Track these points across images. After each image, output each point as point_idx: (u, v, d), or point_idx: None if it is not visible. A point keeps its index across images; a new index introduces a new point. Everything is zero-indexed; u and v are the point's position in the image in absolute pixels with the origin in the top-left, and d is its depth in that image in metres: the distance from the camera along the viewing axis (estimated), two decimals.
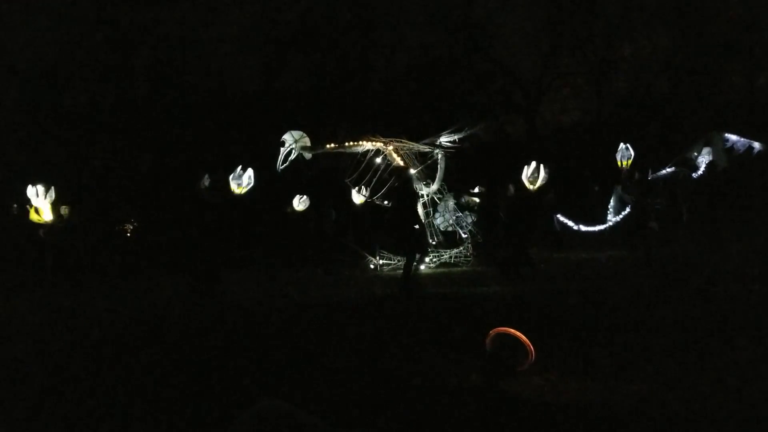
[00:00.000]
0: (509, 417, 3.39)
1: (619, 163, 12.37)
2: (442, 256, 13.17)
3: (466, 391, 3.67)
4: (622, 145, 12.54)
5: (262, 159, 14.38)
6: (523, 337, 4.16)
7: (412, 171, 12.53)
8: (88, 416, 4.11)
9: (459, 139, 12.82)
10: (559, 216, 15.44)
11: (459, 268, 12.71)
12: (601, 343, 5.26)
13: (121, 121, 22.06)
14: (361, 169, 12.65)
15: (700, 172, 15.50)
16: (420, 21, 25.68)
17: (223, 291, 10.20)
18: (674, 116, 24.19)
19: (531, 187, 12.01)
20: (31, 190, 13.35)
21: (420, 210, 12.48)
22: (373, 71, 25.91)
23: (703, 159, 15.56)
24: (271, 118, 21.02)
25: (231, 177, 11.60)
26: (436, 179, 13.05)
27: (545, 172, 12.04)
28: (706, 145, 15.70)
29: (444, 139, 12.90)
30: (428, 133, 13.46)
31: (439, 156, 12.98)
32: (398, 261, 12.74)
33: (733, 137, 15.67)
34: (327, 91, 24.11)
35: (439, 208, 16.52)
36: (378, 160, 12.78)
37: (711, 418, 3.55)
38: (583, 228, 15.50)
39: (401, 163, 12.61)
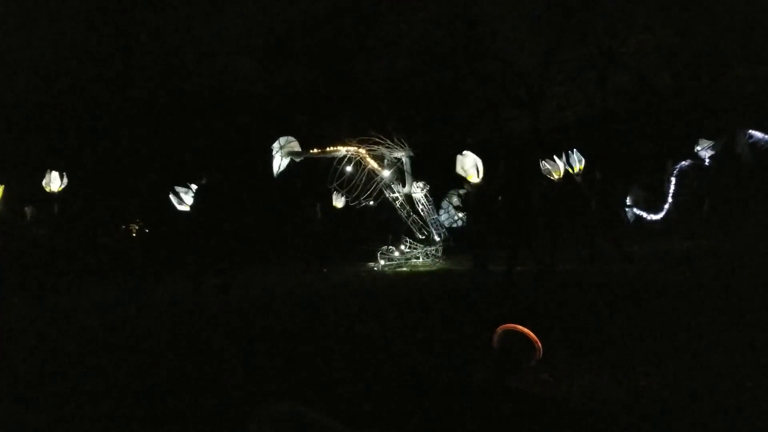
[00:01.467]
0: (517, 413, 3.39)
1: (571, 169, 12.17)
2: (413, 252, 13.51)
3: (475, 388, 3.67)
4: (573, 153, 12.46)
5: (259, 161, 14.60)
6: (531, 334, 4.16)
7: (386, 174, 13.12)
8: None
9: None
10: (632, 207, 15.47)
11: (426, 269, 12.86)
12: (608, 338, 5.23)
13: (121, 122, 21.94)
14: (339, 173, 12.88)
15: (705, 164, 15.50)
16: (419, 17, 25.58)
17: (233, 289, 10.23)
18: (680, 109, 24.05)
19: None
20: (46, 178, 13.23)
21: (399, 210, 13.29)
22: (372, 69, 25.76)
23: (707, 153, 15.54)
24: (269, 118, 21.12)
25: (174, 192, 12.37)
26: (406, 182, 13.62)
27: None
28: (731, 139, 15.82)
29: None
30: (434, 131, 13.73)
31: (404, 159, 13.60)
32: (398, 260, 13.20)
33: (756, 133, 15.72)
34: (326, 90, 24.04)
35: (443, 205, 16.68)
36: (349, 167, 13.05)
37: (716, 412, 3.56)
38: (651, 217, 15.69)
39: (375, 167, 13.12)
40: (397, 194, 13.43)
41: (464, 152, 12.32)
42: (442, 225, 14.18)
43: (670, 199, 15.43)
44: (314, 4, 24.12)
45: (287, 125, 17.58)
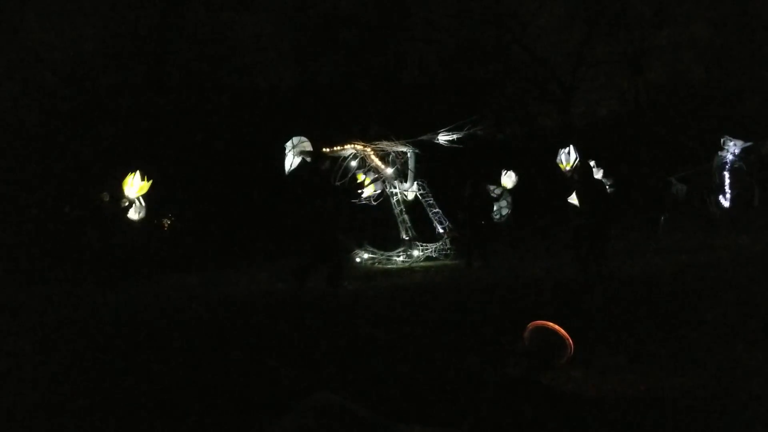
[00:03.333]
0: (548, 411, 3.36)
1: (562, 166, 11.88)
2: (425, 250, 13.44)
3: (506, 385, 3.60)
4: (566, 149, 12.18)
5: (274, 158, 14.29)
6: (562, 331, 4.13)
7: (389, 171, 13.26)
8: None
9: (458, 138, 13.22)
10: (719, 197, 15.09)
11: (440, 262, 12.91)
12: (644, 335, 5.17)
13: (153, 117, 21.96)
14: (343, 171, 12.89)
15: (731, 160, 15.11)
16: (451, 12, 25.38)
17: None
18: (714, 104, 23.39)
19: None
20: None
21: (395, 207, 13.32)
22: (404, 65, 25.58)
23: (733, 149, 15.13)
24: (302, 114, 20.92)
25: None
26: (408, 178, 13.56)
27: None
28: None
29: (443, 138, 13.27)
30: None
31: (409, 155, 13.49)
32: (381, 254, 13.33)
33: None
34: (357, 86, 23.93)
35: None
36: (354, 163, 13.12)
37: (755, 411, 3.51)
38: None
39: (380, 164, 13.23)
40: (397, 191, 13.48)
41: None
42: (445, 218, 13.99)
43: (728, 192, 14.95)
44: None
45: (307, 122, 18.12)
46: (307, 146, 12.85)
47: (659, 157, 20.17)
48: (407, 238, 13.67)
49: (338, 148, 13.15)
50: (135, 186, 12.97)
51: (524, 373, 4.02)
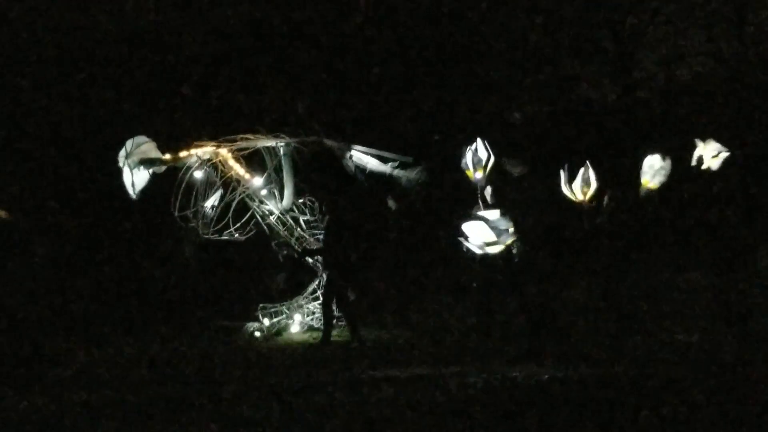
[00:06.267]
0: None
1: (469, 172, 9.02)
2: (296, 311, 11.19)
3: None
4: (474, 146, 9.13)
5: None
6: None
7: (258, 182, 10.60)
8: None
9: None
10: None
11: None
12: None
13: None
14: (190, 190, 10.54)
15: None
16: None
17: None
18: None
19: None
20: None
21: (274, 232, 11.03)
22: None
23: None
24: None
25: None
26: (286, 191, 10.86)
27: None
28: None
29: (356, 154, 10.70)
30: None
31: (282, 153, 10.74)
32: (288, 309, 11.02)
33: None
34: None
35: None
36: (198, 174, 10.60)
37: None
38: None
39: (241, 173, 10.61)
40: (271, 208, 11.00)
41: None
42: None
43: None
44: None
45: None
46: (151, 151, 10.77)
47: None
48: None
49: (183, 153, 10.78)
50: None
51: None
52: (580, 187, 8.40)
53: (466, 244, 7.89)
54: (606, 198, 8.38)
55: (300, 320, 10.77)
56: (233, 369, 8.13)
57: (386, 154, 10.62)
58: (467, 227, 7.68)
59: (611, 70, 18.17)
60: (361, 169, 10.58)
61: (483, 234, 7.61)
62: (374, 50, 16.09)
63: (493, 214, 7.72)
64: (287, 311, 10.88)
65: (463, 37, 16.55)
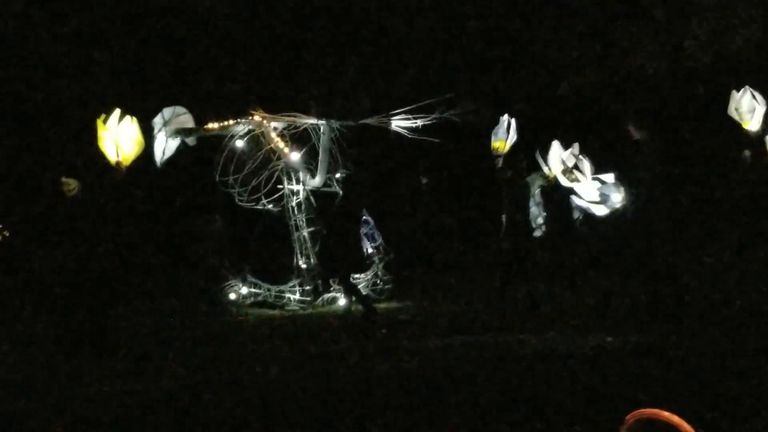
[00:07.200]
0: None
1: (496, 145, 9.34)
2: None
3: None
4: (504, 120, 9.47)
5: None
6: (686, 426, 2.83)
7: (296, 156, 10.56)
8: None
9: (423, 125, 10.24)
10: None
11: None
12: None
13: None
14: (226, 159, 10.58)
15: None
16: None
17: None
18: None
19: None
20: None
21: (298, 217, 10.85)
22: None
23: None
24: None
25: None
26: (319, 169, 10.60)
27: None
28: None
29: (399, 123, 10.45)
30: None
31: (323, 133, 10.59)
32: (268, 290, 10.86)
33: None
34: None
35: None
36: (240, 143, 10.59)
37: None
38: None
39: (281, 146, 10.54)
40: (299, 188, 10.81)
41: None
42: (377, 233, 11.33)
43: None
44: None
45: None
46: (187, 121, 10.77)
47: None
48: (305, 266, 10.83)
49: (229, 122, 10.71)
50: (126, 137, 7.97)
51: None
52: (559, 165, 8.47)
53: (576, 202, 8.04)
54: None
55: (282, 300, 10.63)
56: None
57: (424, 103, 10.41)
58: (579, 186, 7.86)
59: (659, 41, 17.02)
60: (412, 132, 10.49)
61: (593, 194, 7.79)
62: (420, 24, 15.76)
63: (608, 177, 7.77)
64: (268, 291, 10.85)
65: (509, 9, 16.04)
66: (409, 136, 10.41)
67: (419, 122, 10.27)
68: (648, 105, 15.67)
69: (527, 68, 16.00)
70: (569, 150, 8.55)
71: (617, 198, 7.74)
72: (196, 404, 5.33)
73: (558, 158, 8.60)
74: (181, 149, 10.69)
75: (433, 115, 10.21)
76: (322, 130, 10.70)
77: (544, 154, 9.19)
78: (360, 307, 9.06)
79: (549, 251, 10.08)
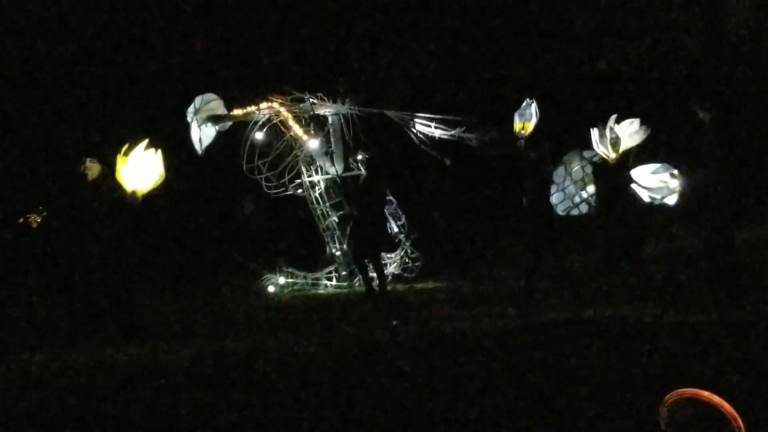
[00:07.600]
0: None
1: (517, 126, 9.38)
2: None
3: None
4: (529, 103, 9.52)
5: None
6: (727, 406, 2.89)
7: (314, 144, 10.53)
8: None
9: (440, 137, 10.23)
10: None
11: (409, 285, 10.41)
12: None
13: None
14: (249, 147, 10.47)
15: None
16: None
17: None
18: None
19: None
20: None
21: (324, 206, 10.83)
22: None
23: None
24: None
25: None
26: (335, 157, 10.72)
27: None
28: None
29: (419, 124, 10.44)
30: None
31: (331, 121, 10.73)
32: (305, 277, 11.02)
33: None
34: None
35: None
36: (259, 134, 10.49)
37: None
38: None
39: (300, 134, 10.51)
40: (318, 178, 10.81)
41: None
42: (399, 216, 11.25)
43: None
44: None
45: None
46: (218, 107, 10.77)
47: None
48: (338, 252, 10.96)
49: (248, 109, 10.66)
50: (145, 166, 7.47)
51: None
52: (610, 145, 8.30)
53: (635, 188, 7.89)
54: (630, 156, 8.24)
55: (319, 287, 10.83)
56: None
57: (450, 118, 10.42)
58: (637, 171, 7.77)
59: (699, 16, 16.43)
60: (426, 138, 10.39)
61: (651, 180, 7.74)
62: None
63: (666, 167, 7.75)
64: (304, 279, 10.98)
65: None
66: (418, 142, 10.36)
67: (437, 133, 10.19)
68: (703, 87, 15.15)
69: (568, 48, 15.70)
70: (608, 124, 8.40)
71: (675, 185, 7.66)
72: (219, 370, 5.79)
73: (601, 138, 8.48)
74: (220, 135, 10.70)
75: (453, 132, 10.12)
76: (330, 121, 10.69)
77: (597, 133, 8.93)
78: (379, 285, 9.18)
79: (599, 227, 9.99)
